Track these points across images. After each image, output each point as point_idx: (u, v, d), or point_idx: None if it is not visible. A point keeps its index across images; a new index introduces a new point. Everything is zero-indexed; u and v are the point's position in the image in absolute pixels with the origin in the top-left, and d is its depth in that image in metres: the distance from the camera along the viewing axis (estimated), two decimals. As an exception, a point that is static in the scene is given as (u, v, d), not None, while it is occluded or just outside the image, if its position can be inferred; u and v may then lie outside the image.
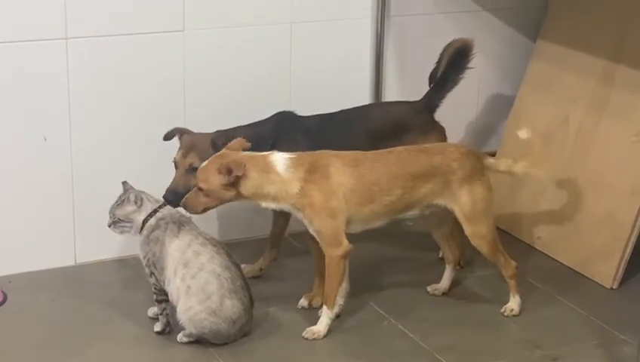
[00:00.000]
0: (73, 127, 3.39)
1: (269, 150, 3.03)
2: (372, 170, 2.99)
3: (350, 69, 3.75)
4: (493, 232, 3.13)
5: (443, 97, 3.38)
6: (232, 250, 3.08)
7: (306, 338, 3.03)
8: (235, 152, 2.93)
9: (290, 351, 2.99)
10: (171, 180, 3.14)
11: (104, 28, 3.34)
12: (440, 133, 3.36)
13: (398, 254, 3.68)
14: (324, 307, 3.06)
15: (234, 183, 2.87)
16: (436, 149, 3.09)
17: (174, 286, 2.93)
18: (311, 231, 2.98)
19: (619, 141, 3.50)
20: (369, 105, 3.53)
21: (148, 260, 2.98)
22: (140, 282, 3.20)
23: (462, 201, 3.05)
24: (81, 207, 3.45)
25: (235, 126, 3.23)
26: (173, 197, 3.08)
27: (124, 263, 3.50)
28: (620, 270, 3.40)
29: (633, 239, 3.39)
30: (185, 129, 3.23)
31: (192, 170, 3.08)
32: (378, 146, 3.23)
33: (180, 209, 3.01)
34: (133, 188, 3.05)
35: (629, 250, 3.39)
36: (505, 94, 3.97)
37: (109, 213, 3.02)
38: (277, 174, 2.91)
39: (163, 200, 3.05)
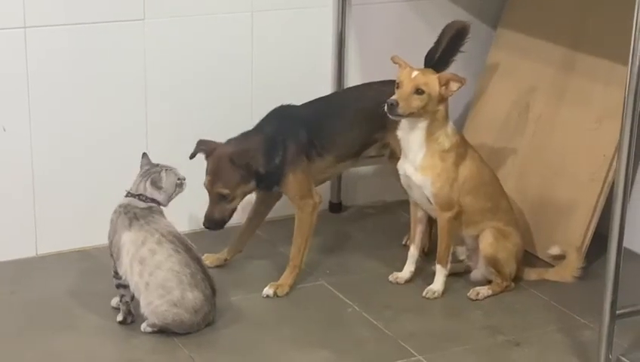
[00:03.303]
0: (33, 117, 3.35)
1: (283, 148, 3.18)
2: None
3: (312, 58, 3.75)
4: None
5: None
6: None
7: (427, 298, 3.22)
8: None
9: (254, 340, 2.98)
10: (207, 207, 3.19)
11: (63, 16, 3.31)
12: None
13: (362, 241, 3.69)
14: (438, 266, 3.24)
15: (443, 99, 3.11)
16: None
17: (133, 282, 2.92)
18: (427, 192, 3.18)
19: (578, 128, 3.53)
20: (362, 85, 3.51)
21: (109, 241, 2.99)
22: (101, 273, 3.18)
23: None
24: (41, 197, 3.42)
25: (244, 132, 3.24)
26: (213, 225, 3.19)
27: (86, 254, 3.47)
28: (581, 255, 3.43)
29: (593, 224, 3.42)
30: (208, 143, 3.20)
31: (222, 197, 3.15)
32: (374, 126, 3.27)
33: (140, 203, 2.98)
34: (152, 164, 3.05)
35: (589, 235, 3.42)
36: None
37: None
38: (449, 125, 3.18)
39: (127, 191, 3.03)
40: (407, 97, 3.05)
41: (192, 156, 3.20)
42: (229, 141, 3.22)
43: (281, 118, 3.28)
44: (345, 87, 3.77)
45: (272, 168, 3.20)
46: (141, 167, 3.04)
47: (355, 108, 3.39)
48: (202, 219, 3.20)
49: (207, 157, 3.20)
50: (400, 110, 3.03)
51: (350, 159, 3.44)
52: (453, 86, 3.10)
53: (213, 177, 3.16)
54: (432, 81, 3.08)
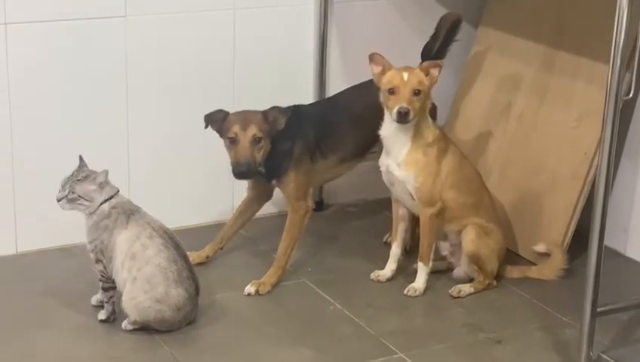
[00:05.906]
0: (13, 113, 3.33)
1: (291, 142, 3.20)
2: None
3: (294, 55, 3.75)
4: None
5: None
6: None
7: (409, 296, 3.23)
8: None
9: (235, 338, 2.98)
10: (234, 155, 3.12)
11: (44, 13, 3.29)
12: (432, 107, 3.35)
13: (344, 239, 3.69)
14: (420, 263, 3.24)
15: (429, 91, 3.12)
16: None
17: (121, 277, 2.91)
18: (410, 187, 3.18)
19: (559, 126, 3.54)
20: (363, 83, 3.49)
21: (95, 246, 2.93)
22: (82, 271, 3.17)
23: None
24: (22, 194, 3.40)
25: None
26: (246, 168, 3.10)
27: (67, 252, 3.45)
28: (565, 255, 3.44)
29: (574, 222, 3.43)
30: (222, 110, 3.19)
31: (255, 141, 3.11)
32: (378, 122, 3.23)
33: (123, 198, 2.96)
34: (87, 167, 2.97)
35: (570, 233, 3.44)
36: (447, 81, 3.97)
37: (64, 186, 2.91)
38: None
39: (117, 189, 2.99)
40: (411, 101, 3.05)
41: (211, 120, 3.16)
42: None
43: (295, 116, 3.24)
44: (327, 84, 3.77)
45: (279, 151, 3.19)
46: (86, 168, 2.96)
47: (362, 104, 3.40)
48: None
49: (225, 118, 3.14)
50: (411, 116, 3.04)
51: (355, 159, 3.46)
52: (434, 72, 3.10)
53: (244, 123, 3.12)
54: (422, 78, 3.09)
